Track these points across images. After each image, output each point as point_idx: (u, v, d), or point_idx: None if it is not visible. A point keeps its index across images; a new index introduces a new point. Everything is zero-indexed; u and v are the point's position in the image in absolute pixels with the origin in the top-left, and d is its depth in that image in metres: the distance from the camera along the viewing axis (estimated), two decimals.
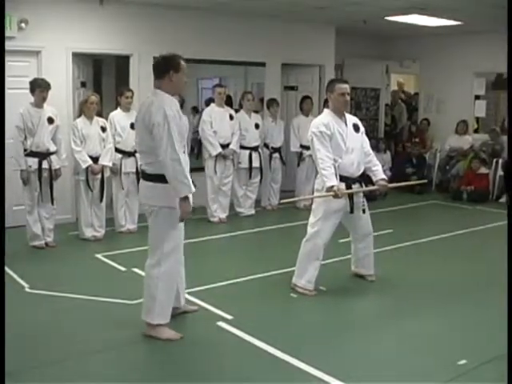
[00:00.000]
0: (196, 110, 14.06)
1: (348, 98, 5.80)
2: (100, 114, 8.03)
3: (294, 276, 5.93)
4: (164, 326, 4.78)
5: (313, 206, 5.93)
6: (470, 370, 4.26)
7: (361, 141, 5.91)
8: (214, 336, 4.89)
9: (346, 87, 5.77)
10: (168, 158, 4.49)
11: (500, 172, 11.10)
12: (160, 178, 4.60)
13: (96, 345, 4.70)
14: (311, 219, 5.87)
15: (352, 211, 5.81)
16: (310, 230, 5.85)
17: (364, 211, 5.96)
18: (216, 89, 9.25)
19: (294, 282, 5.92)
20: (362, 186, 5.89)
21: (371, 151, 6.07)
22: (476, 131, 12.81)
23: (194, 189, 4.66)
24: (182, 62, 4.73)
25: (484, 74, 12.44)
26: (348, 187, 5.73)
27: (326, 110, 5.92)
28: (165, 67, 4.68)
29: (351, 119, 5.91)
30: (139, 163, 7.73)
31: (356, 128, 5.89)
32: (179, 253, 4.87)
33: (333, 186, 5.51)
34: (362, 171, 5.90)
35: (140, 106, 4.94)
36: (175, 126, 4.53)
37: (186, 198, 4.61)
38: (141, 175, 4.91)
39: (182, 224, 4.82)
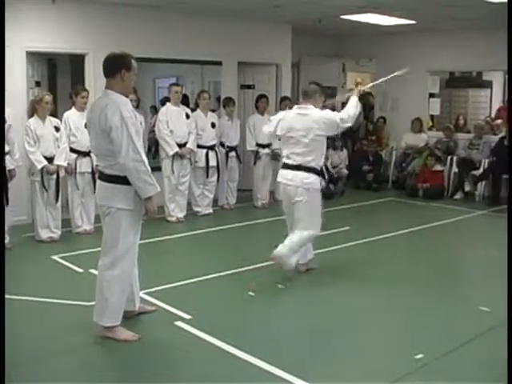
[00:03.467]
0: (155, 109, 13.97)
1: None
2: (54, 114, 7.91)
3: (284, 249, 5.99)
4: (121, 327, 4.75)
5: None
6: (427, 364, 4.32)
7: None
8: (172, 336, 4.86)
9: None
10: (130, 160, 4.44)
11: (454, 169, 11.28)
12: (118, 179, 4.56)
13: (53, 347, 4.64)
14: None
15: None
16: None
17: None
18: (172, 88, 9.18)
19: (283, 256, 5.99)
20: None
21: None
22: (431, 129, 12.97)
23: (159, 188, 4.65)
24: (134, 61, 4.69)
25: (438, 72, 12.63)
26: None
27: None
28: (117, 66, 4.61)
29: None
30: (95, 164, 7.71)
31: None
32: (133, 255, 4.82)
33: None
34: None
35: (91, 107, 4.85)
36: (132, 126, 4.49)
37: (151, 197, 4.59)
38: (98, 175, 4.84)
39: (138, 226, 4.79)
